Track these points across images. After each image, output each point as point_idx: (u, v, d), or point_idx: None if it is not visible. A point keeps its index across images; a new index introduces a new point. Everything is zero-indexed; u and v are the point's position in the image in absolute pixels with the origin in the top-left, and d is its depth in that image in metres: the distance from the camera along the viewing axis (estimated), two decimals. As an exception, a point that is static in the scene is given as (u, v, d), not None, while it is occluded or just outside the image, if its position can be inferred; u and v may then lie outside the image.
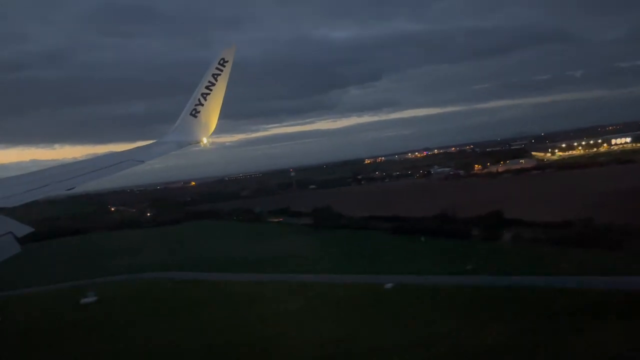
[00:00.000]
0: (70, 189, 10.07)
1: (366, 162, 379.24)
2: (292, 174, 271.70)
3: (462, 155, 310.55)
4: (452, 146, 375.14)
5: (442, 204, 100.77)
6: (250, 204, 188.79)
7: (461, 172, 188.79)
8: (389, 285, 57.74)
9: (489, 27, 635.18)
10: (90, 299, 74.60)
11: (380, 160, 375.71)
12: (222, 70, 14.30)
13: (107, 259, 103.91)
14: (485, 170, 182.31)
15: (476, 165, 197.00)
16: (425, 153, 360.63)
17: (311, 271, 74.08)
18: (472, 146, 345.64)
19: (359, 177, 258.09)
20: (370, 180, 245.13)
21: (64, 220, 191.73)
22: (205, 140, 14.80)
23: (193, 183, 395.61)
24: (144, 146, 15.06)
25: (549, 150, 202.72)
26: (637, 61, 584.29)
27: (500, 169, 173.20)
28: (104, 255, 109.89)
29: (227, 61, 14.35)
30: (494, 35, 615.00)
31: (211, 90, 14.41)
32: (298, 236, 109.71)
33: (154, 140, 15.31)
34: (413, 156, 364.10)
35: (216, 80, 14.34)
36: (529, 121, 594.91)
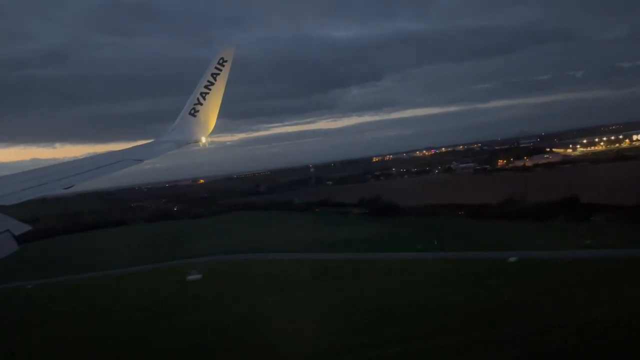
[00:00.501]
0: (69, 187, 10.08)
1: (374, 160, 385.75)
2: (312, 169, 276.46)
3: (472, 152, 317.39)
4: (458, 145, 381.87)
5: (498, 192, 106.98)
6: (277, 198, 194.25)
7: (487, 167, 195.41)
8: (512, 259, 63.08)
9: (491, 27, 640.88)
10: (195, 276, 79.11)
11: (388, 158, 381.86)
12: (221, 70, 14.51)
13: (189, 243, 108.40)
14: (511, 165, 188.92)
15: (499, 161, 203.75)
16: (432, 151, 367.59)
17: (408, 250, 79.33)
18: (479, 145, 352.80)
19: (377, 173, 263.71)
20: (388, 176, 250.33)
21: (100, 213, 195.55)
22: (204, 139, 14.94)
23: (202, 181, 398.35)
24: (142, 145, 15.13)
25: (570, 146, 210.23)
26: (638, 61, 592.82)
27: (527, 164, 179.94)
28: (182, 240, 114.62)
29: (226, 61, 14.56)
30: (496, 34, 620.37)
31: (210, 89, 14.60)
32: (362, 222, 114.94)
33: (153, 140, 15.37)
34: (421, 154, 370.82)
35: (215, 80, 14.55)
36: (529, 121, 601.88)
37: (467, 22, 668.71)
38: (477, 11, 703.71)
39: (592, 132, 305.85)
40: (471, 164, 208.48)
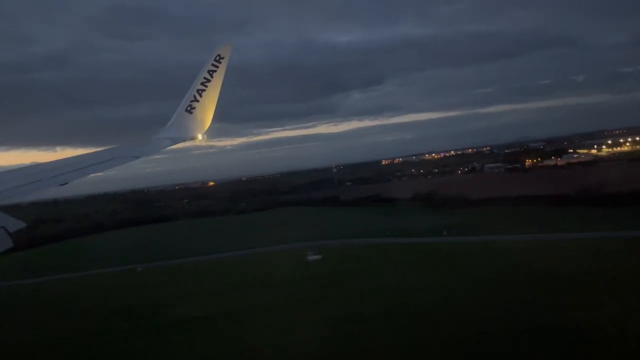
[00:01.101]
0: (64, 184, 10.09)
1: (383, 162, 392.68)
2: (334, 170, 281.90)
3: (481, 155, 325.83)
4: (462, 148, 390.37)
5: (552, 186, 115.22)
6: (313, 196, 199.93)
7: (517, 166, 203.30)
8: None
9: (493, 31, 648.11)
10: (314, 256, 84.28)
11: (398, 161, 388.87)
12: (217, 67, 14.52)
13: (271, 232, 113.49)
14: (542, 164, 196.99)
15: (527, 161, 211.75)
16: (442, 154, 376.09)
17: (513, 232, 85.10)
18: (488, 147, 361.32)
19: (398, 173, 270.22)
20: (411, 176, 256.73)
21: (140, 211, 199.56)
22: (200, 136, 14.91)
23: (212, 183, 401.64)
24: (139, 142, 15.10)
25: (594, 146, 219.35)
26: (639, 66, 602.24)
27: (559, 163, 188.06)
28: (263, 229, 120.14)
29: (223, 58, 14.57)
30: (498, 39, 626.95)
31: (207, 86, 14.60)
32: (431, 213, 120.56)
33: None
34: (430, 157, 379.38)
35: (212, 77, 14.53)
36: (529, 126, 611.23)
37: (470, 27, 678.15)
38: (479, 16, 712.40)
39: (596, 136, 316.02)
40: (499, 164, 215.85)
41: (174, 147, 14.44)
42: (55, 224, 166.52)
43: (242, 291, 64.35)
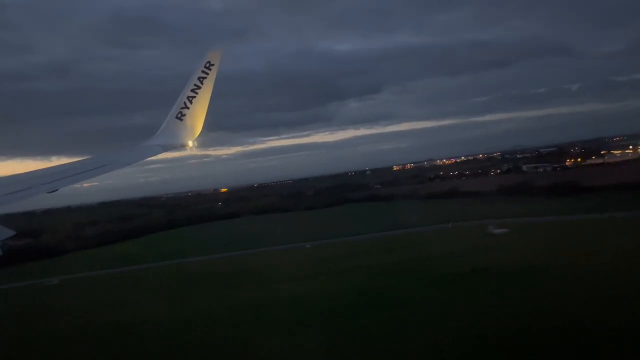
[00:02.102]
0: (53, 191, 10.08)
1: (394, 168, 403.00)
2: (368, 172, 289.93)
3: (495, 160, 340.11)
4: (474, 155, 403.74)
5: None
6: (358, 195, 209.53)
7: (560, 165, 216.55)
8: None
9: (490, 40, 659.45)
10: (500, 230, 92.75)
11: (409, 166, 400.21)
12: (207, 74, 14.42)
13: (401, 217, 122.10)
14: (588, 163, 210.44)
15: (567, 161, 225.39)
16: (452, 160, 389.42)
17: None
18: (499, 153, 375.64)
19: (430, 176, 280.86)
20: (444, 178, 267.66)
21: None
22: (191, 143, 14.85)
23: (224, 190, 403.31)
24: (129, 149, 15.04)
25: (630, 147, 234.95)
26: (633, 75, 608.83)
27: (606, 161, 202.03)
28: (382, 216, 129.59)
29: (212, 64, 14.46)
30: (494, 48, 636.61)
31: (197, 93, 14.51)
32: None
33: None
34: (441, 163, 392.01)
35: (202, 84, 14.45)
36: (524, 134, 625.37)
37: (467, 36, 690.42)
38: (476, 25, 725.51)
39: (596, 143, 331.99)
40: (540, 164, 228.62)
41: (168, 156, 14.27)
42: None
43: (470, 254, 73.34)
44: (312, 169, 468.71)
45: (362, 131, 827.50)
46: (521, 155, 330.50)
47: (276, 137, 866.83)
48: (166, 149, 14.38)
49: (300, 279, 75.05)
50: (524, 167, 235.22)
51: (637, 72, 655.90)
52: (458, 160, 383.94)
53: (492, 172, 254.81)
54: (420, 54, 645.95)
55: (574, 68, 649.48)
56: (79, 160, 13.37)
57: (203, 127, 14.89)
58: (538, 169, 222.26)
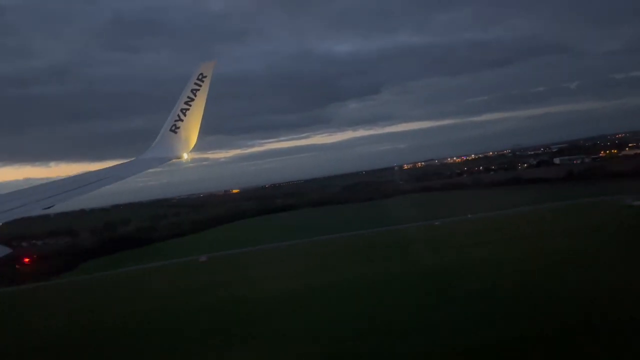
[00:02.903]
0: (48, 207, 10.32)
1: (404, 167, 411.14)
2: (396, 167, 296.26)
3: (506, 158, 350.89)
4: (482, 153, 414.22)
5: None
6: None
7: (597, 156, 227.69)
8: None
9: (489, 39, 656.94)
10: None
11: (420, 165, 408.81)
12: (200, 86, 14.63)
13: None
14: (624, 154, 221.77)
15: (601, 152, 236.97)
16: (463, 158, 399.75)
17: None
18: (508, 150, 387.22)
19: (457, 171, 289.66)
20: (475, 172, 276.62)
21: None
22: (185, 155, 15.04)
23: (237, 190, 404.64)
24: (124, 163, 15.25)
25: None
26: (631, 72, 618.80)
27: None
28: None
29: (205, 76, 14.66)
30: (494, 47, 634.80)
31: (190, 105, 14.67)
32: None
33: (135, 158, 15.57)
34: (452, 161, 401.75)
35: (195, 96, 14.62)
36: (522, 134, 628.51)
37: (467, 36, 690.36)
38: (478, 24, 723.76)
39: (599, 141, 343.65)
40: (575, 156, 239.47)
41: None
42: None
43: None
44: (313, 171, 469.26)
45: (361, 132, 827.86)
46: (533, 152, 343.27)
47: (275, 140, 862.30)
48: (161, 161, 14.62)
49: (482, 244, 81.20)
50: (557, 160, 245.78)
51: (636, 70, 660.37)
52: (469, 158, 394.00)
53: (520, 165, 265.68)
54: (420, 54, 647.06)
55: (573, 66, 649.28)
56: (76, 175, 13.74)
57: (197, 138, 15.02)
58: (574, 161, 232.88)
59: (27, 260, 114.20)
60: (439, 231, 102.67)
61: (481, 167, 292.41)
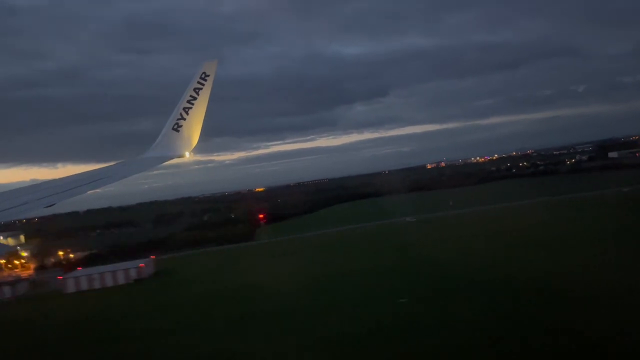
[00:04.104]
0: (50, 205, 10.35)
1: (428, 166, 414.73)
2: (443, 164, 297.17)
3: (530, 158, 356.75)
4: (507, 153, 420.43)
5: None
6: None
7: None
8: None
9: (498, 42, 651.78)
10: None
11: (443, 164, 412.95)
12: (203, 85, 14.60)
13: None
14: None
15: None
16: (486, 158, 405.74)
17: None
18: (532, 150, 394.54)
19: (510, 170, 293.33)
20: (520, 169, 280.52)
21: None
22: (187, 154, 14.98)
23: (262, 189, 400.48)
24: (125, 162, 15.35)
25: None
26: (639, 76, 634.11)
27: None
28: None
29: (208, 75, 14.64)
30: (502, 50, 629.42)
31: (193, 104, 14.64)
32: None
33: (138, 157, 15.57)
34: (475, 161, 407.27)
35: (198, 95, 14.61)
36: (528, 137, 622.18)
37: (476, 38, 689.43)
38: (486, 27, 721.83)
39: (612, 143, 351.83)
40: (628, 151, 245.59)
41: (171, 162, 14.67)
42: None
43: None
44: (316, 173, 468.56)
45: (366, 135, 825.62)
46: (558, 152, 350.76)
47: (280, 142, 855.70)
48: (163, 160, 14.66)
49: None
50: (614, 154, 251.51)
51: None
52: (492, 158, 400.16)
53: (567, 161, 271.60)
54: (428, 57, 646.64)
55: (580, 69, 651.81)
56: (77, 174, 13.90)
57: (200, 137, 15.10)
58: (636, 154, 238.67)
59: (262, 217, 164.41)
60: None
61: (525, 164, 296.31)
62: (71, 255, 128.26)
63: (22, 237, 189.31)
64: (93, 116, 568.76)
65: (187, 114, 14.71)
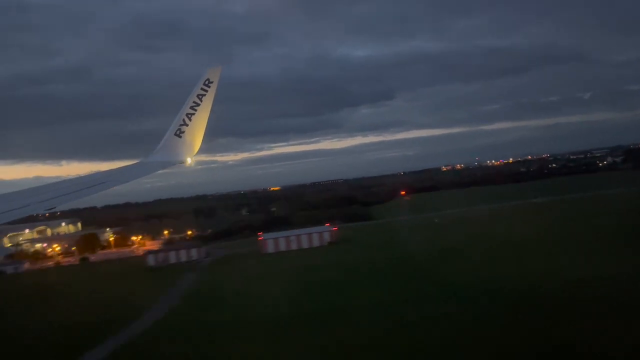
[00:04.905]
0: (51, 208, 10.45)
1: (443, 169, 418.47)
2: (476, 163, 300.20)
3: (547, 161, 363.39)
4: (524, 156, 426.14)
5: None
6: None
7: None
8: None
9: (505, 47, 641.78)
10: None
11: (460, 167, 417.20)
12: (207, 91, 14.60)
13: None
14: None
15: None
16: (501, 161, 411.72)
17: None
18: (547, 155, 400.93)
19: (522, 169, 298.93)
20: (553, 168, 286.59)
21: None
22: (189, 160, 15.03)
23: (277, 188, 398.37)
24: (128, 166, 15.36)
25: None
26: None
27: None
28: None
29: (212, 82, 14.65)
30: (510, 55, 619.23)
31: (196, 110, 14.65)
32: None
33: (139, 161, 15.63)
34: (491, 164, 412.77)
35: (201, 101, 14.61)
36: (533, 143, 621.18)
37: (482, 43, 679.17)
38: (495, 31, 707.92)
39: (620, 149, 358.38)
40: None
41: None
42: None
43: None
44: (322, 175, 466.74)
45: (371, 138, 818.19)
46: (574, 157, 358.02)
47: (284, 144, 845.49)
48: (165, 166, 14.70)
49: None
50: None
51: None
52: (508, 162, 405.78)
53: (599, 163, 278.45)
54: (435, 60, 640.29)
55: (586, 76, 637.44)
56: (79, 177, 13.98)
57: (202, 143, 15.15)
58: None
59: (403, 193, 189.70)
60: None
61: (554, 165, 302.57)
62: (189, 233, 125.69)
63: (79, 224, 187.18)
64: (100, 114, 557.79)
65: (190, 120, 14.64)
